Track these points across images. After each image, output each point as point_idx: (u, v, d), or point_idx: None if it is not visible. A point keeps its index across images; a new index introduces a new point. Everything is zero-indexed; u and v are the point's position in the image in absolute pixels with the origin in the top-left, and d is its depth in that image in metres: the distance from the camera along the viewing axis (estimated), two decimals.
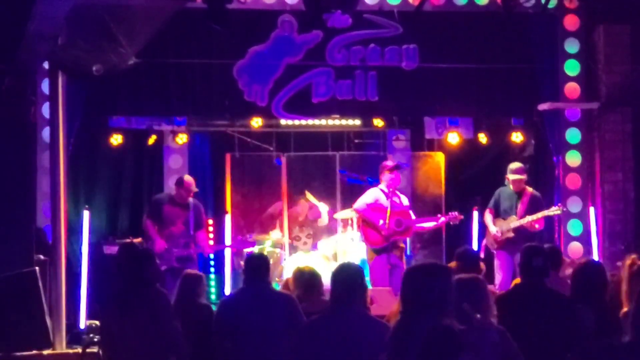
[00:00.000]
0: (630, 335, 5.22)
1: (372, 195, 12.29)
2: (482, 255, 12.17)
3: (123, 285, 8.05)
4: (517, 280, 8.40)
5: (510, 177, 12.43)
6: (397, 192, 12.32)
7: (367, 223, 12.27)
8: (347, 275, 6.38)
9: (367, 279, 11.78)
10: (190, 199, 12.31)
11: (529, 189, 12.51)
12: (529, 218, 12.15)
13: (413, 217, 12.34)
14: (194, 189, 12.36)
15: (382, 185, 12.27)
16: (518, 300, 6.98)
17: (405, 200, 12.42)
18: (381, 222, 11.99)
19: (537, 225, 12.22)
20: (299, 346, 6.42)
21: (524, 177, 12.45)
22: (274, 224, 13.64)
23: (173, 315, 8.01)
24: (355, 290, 6.34)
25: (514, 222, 12.25)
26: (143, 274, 7.94)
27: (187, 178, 12.44)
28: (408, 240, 13.75)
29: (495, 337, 5.47)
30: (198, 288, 9.13)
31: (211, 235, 13.73)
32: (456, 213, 12.42)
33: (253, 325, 7.74)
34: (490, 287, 9.64)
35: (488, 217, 12.57)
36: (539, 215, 12.15)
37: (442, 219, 12.43)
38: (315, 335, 6.32)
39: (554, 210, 12.30)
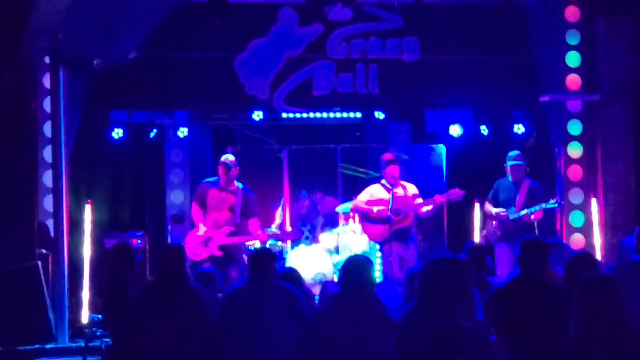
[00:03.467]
0: (572, 330, 5.25)
1: (368, 192, 12.31)
2: None
3: (159, 279, 8.24)
4: None
5: (509, 163, 12.42)
6: (403, 183, 12.28)
7: (365, 218, 12.26)
8: (357, 268, 6.38)
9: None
10: (239, 185, 12.10)
11: (528, 179, 12.50)
12: (526, 211, 12.14)
13: (420, 201, 12.23)
14: (230, 169, 11.91)
15: (383, 180, 12.27)
16: (515, 293, 6.95)
17: (411, 189, 12.28)
18: (375, 209, 11.96)
19: (532, 217, 12.21)
20: (307, 336, 6.43)
21: (522, 163, 12.43)
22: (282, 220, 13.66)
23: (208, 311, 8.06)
24: (364, 283, 6.34)
25: (513, 214, 12.25)
26: (178, 269, 8.11)
27: (224, 157, 12.04)
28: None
29: (492, 337, 5.47)
30: (209, 286, 9.14)
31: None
32: (457, 189, 12.25)
33: (256, 319, 7.74)
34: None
35: (488, 207, 12.56)
36: (537, 208, 12.14)
37: (438, 198, 12.22)
38: (323, 326, 6.32)
39: (551, 204, 12.27)
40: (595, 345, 5.20)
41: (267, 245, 12.74)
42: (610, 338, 5.20)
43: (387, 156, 12.42)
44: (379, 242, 12.27)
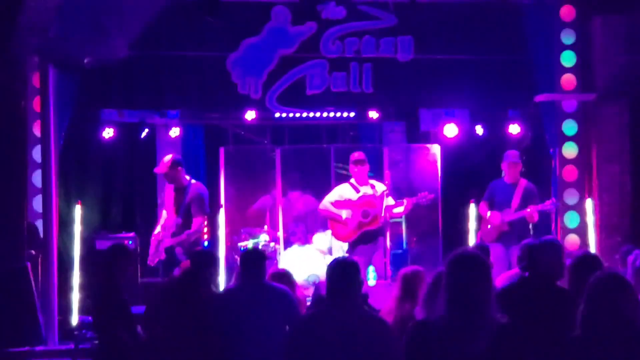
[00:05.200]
0: (580, 330, 5.19)
1: (336, 192, 12.26)
2: None
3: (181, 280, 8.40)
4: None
5: (505, 163, 12.36)
6: (371, 182, 12.17)
7: (333, 219, 12.19)
8: (343, 270, 6.33)
9: None
10: (192, 181, 11.86)
11: (523, 181, 12.43)
12: (522, 212, 12.10)
13: (392, 203, 12.14)
14: (159, 169, 11.68)
15: (352, 179, 12.20)
16: (523, 294, 6.87)
17: (380, 188, 12.16)
18: (344, 214, 11.87)
19: (533, 217, 12.18)
20: (295, 340, 6.40)
21: (519, 163, 12.37)
22: (264, 220, 13.52)
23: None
24: (351, 284, 6.29)
25: (508, 215, 12.19)
26: (201, 273, 8.29)
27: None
28: (404, 233, 13.68)
29: None
30: None
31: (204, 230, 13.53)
32: (426, 193, 12.17)
33: (250, 321, 7.70)
34: None
35: (482, 209, 12.51)
36: (532, 209, 12.08)
37: (405, 201, 12.08)
38: (311, 329, 6.29)
39: (548, 206, 12.21)
40: (604, 344, 5.15)
41: (261, 245, 12.71)
42: (620, 338, 5.16)
43: (353, 156, 12.29)
44: (350, 244, 12.18)
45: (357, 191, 12.03)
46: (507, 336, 5.08)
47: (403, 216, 13.47)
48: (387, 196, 12.04)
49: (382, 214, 11.95)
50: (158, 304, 8.41)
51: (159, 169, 11.64)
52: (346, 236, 12.11)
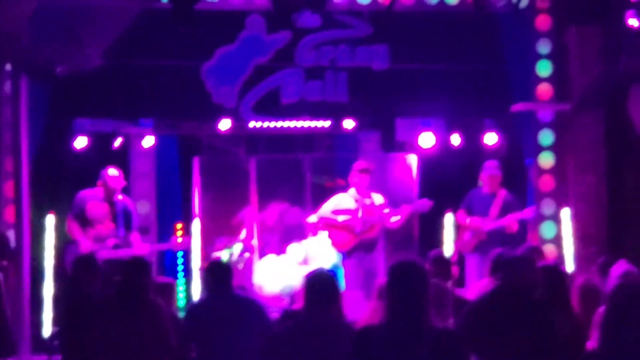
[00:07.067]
0: (600, 343, 5.12)
1: (334, 201, 12.22)
2: (455, 258, 12.11)
3: (118, 292, 8.02)
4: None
5: (485, 174, 12.38)
6: (370, 193, 12.19)
7: (332, 226, 12.15)
8: (321, 282, 6.34)
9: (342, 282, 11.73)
10: (119, 196, 11.82)
11: (503, 191, 12.44)
12: (502, 221, 12.10)
13: (387, 211, 12.17)
14: (116, 184, 11.73)
15: (351, 189, 12.17)
16: (496, 305, 6.82)
17: (378, 199, 12.24)
18: (340, 218, 11.87)
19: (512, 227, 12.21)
20: (272, 352, 6.39)
21: (498, 174, 12.38)
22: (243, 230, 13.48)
23: (170, 329, 7.86)
24: (329, 296, 6.31)
25: (488, 224, 12.19)
26: (140, 282, 7.90)
27: (110, 172, 11.78)
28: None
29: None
30: (167, 298, 8.97)
31: (180, 240, 13.44)
32: (425, 200, 12.22)
33: (223, 333, 7.67)
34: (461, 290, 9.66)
35: (461, 217, 12.52)
36: (512, 218, 12.10)
37: (405, 209, 12.16)
38: (290, 342, 6.28)
39: (528, 214, 12.24)
40: (627, 357, 4.97)
41: (235, 255, 12.66)
42: None
43: (360, 164, 12.32)
44: (343, 253, 12.17)
45: (356, 201, 12.03)
46: (447, 343, 5.07)
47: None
48: (384, 207, 12.09)
49: (379, 223, 12.00)
50: (101, 323, 8.14)
51: (122, 183, 11.71)
52: (344, 244, 12.10)
